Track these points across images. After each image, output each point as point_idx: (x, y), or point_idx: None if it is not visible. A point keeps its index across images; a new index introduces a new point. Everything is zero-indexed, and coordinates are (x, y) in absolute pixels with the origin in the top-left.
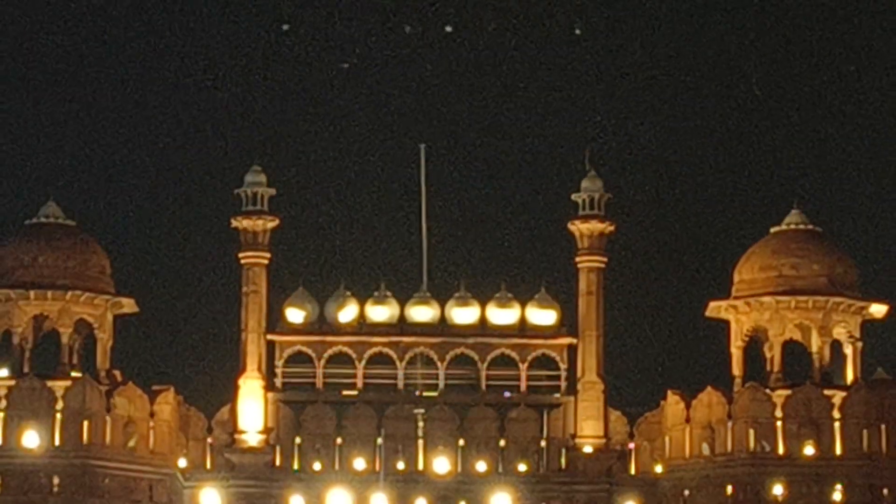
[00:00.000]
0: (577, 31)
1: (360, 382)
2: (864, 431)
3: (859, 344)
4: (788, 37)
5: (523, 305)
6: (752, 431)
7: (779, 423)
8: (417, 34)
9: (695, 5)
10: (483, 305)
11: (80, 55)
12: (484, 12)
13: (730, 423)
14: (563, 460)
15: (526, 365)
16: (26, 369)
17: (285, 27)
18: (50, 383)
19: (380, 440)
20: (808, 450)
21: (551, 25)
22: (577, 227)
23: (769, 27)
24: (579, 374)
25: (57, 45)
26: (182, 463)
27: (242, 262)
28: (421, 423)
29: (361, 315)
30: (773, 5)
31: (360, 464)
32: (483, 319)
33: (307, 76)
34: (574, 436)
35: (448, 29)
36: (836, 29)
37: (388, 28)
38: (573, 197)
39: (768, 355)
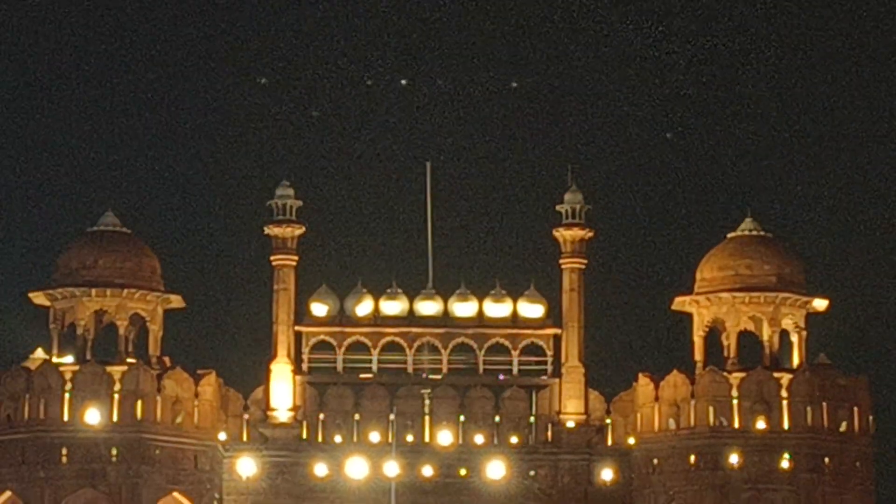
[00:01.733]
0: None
1: (374, 367)
2: (808, 408)
3: (804, 333)
4: (741, 65)
5: (515, 300)
6: (711, 408)
7: (735, 402)
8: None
9: (652, 37)
10: (480, 300)
11: (129, 86)
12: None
13: (693, 402)
14: (549, 434)
15: (517, 352)
16: (88, 356)
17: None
18: (109, 368)
19: (392, 416)
20: (760, 424)
21: (542, 65)
22: (561, 234)
23: (724, 50)
24: (563, 359)
25: (111, 78)
26: (222, 436)
27: (274, 263)
28: (427, 402)
29: (376, 309)
30: (729, 26)
31: (374, 436)
32: (480, 312)
33: (330, 104)
34: (559, 413)
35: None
36: (787, 56)
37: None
38: (558, 208)
39: (726, 343)
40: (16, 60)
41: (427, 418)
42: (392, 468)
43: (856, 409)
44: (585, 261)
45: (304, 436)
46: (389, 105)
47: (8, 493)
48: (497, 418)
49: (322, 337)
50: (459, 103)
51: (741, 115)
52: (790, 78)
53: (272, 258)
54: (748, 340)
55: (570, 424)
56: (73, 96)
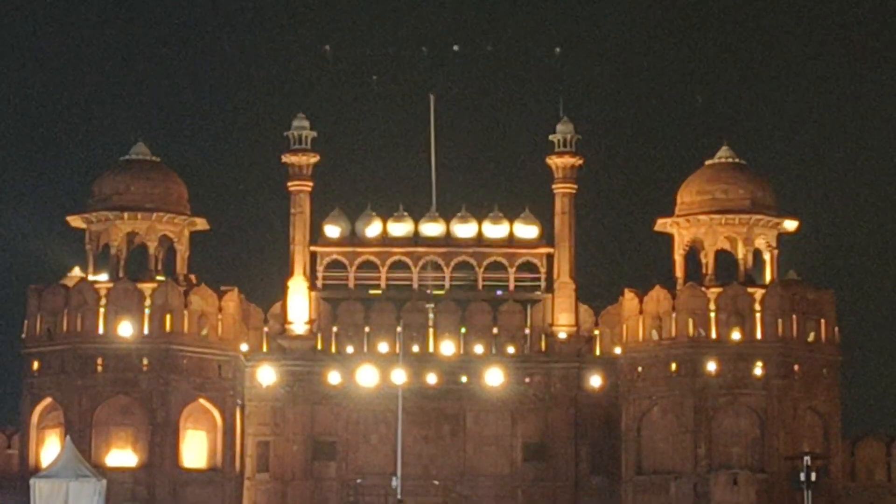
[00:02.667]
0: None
1: (383, 283)
2: (779, 320)
3: (775, 252)
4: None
5: (511, 222)
6: (691, 321)
7: (712, 314)
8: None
9: None
10: (480, 222)
11: (158, 28)
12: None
13: (674, 315)
14: (542, 344)
15: (514, 269)
16: (121, 274)
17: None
18: (140, 285)
19: (399, 329)
20: (735, 335)
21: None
22: (554, 161)
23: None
24: (555, 276)
25: (141, 22)
26: (244, 347)
27: (290, 189)
28: (431, 316)
29: (384, 230)
30: None
31: (383, 347)
32: (480, 233)
33: (342, 43)
34: (551, 325)
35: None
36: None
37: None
38: (550, 137)
39: (704, 261)
40: (57, 6)
41: (431, 330)
42: (399, 376)
43: (823, 320)
44: (576, 186)
45: (319, 347)
46: (396, 42)
47: (48, 400)
48: (495, 330)
49: (335, 256)
50: (460, 40)
51: (718, 51)
52: (762, 17)
53: (289, 184)
54: (724, 258)
55: (562, 335)
56: (107, 38)
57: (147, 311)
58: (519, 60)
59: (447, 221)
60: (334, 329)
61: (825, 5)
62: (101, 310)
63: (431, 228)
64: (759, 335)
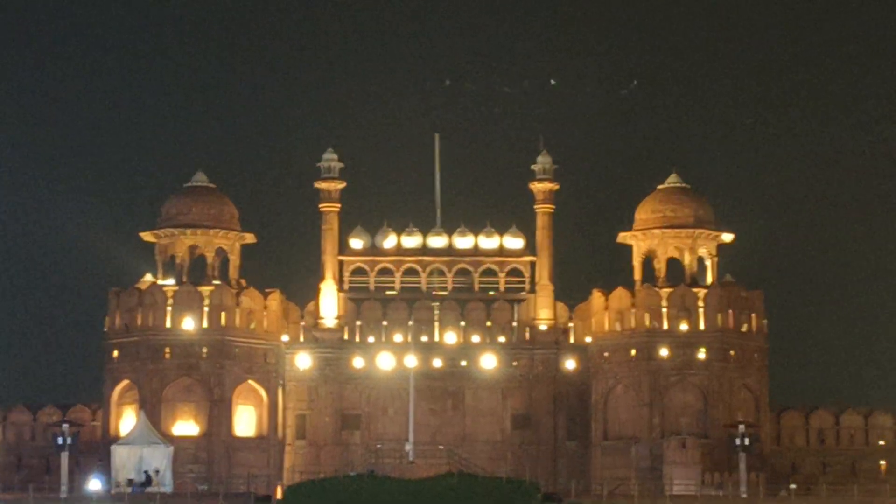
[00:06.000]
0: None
1: (397, 286)
2: (718, 315)
3: (715, 259)
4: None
5: (501, 236)
6: (647, 315)
7: (664, 310)
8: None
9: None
10: (476, 236)
11: (215, 79)
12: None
13: (633, 310)
14: (527, 334)
15: (503, 274)
16: (184, 279)
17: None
18: (200, 288)
19: (410, 322)
20: (683, 326)
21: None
22: (535, 186)
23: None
24: (537, 279)
25: (204, 75)
26: (284, 338)
27: (322, 210)
28: (437, 312)
29: (398, 243)
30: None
31: (398, 338)
32: (476, 245)
33: (366, 91)
34: (534, 319)
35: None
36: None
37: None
38: (532, 167)
39: (657, 266)
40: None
41: (437, 324)
42: (411, 361)
43: (753, 315)
44: (553, 206)
45: (346, 337)
46: (409, 92)
47: (126, 381)
48: (489, 323)
49: (358, 264)
50: (459, 90)
51: (669, 97)
52: (705, 64)
53: (321, 206)
54: (673, 264)
55: (543, 327)
56: (169, 90)
57: (206, 309)
58: (507, 104)
59: (449, 235)
60: (358, 323)
61: (755, 60)
62: (168, 308)
63: (436, 241)
64: (702, 326)
